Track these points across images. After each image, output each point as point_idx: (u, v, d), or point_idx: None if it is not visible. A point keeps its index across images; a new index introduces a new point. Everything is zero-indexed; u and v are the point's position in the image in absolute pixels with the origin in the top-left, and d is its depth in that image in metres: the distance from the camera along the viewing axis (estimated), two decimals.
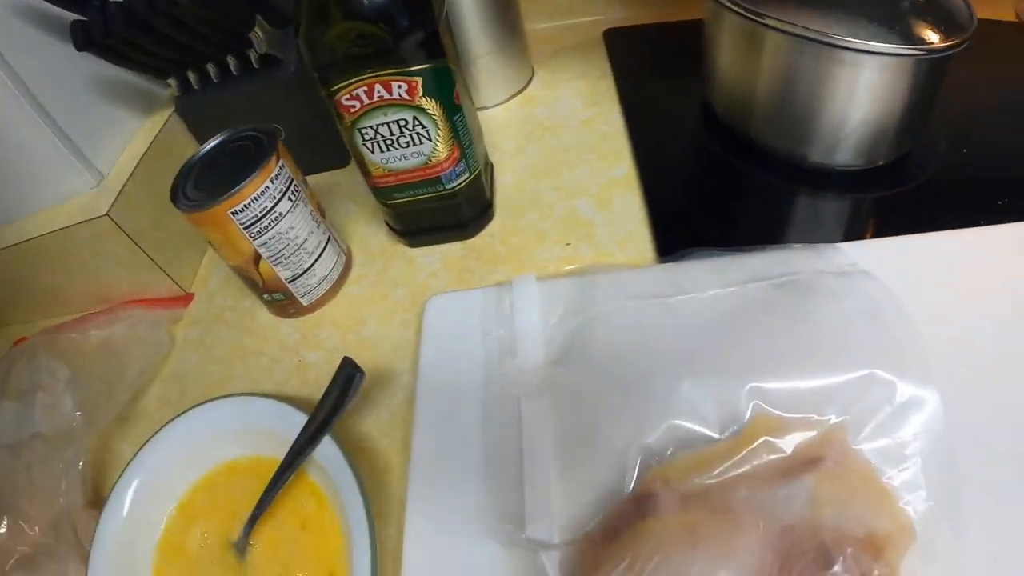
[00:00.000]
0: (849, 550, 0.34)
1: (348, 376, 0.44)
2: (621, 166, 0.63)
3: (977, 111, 0.71)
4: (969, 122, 0.69)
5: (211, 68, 0.59)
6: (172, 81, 0.59)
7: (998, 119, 0.71)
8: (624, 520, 0.36)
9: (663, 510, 0.36)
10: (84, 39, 0.50)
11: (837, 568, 0.33)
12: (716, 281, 0.46)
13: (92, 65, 0.55)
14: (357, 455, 0.44)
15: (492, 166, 0.63)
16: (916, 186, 0.60)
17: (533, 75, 0.77)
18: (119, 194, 0.55)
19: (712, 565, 0.34)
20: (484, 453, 0.42)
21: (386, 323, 0.54)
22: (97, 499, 0.49)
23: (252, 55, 0.58)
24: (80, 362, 0.55)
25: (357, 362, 0.45)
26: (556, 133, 0.68)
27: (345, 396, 0.43)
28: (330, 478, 0.42)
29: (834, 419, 0.38)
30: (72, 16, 0.51)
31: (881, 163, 0.59)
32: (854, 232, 0.56)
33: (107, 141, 0.58)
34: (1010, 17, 0.88)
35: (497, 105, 0.73)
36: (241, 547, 0.43)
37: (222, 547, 0.44)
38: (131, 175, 0.57)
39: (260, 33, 0.57)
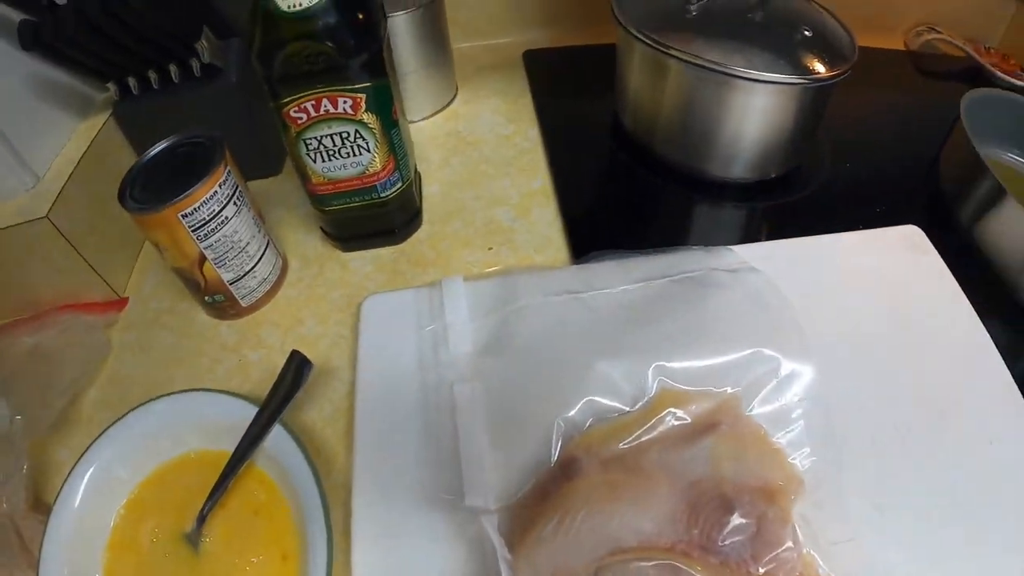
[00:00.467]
0: (746, 497, 0.42)
1: (298, 366, 0.50)
2: (538, 178, 0.72)
3: (862, 130, 0.83)
4: (854, 140, 0.80)
5: (152, 74, 0.62)
6: (111, 85, 0.63)
7: (879, 138, 0.82)
8: (552, 484, 0.44)
9: (586, 472, 0.43)
10: (32, 39, 0.54)
11: (737, 512, 0.41)
12: (623, 279, 0.55)
13: (27, 65, 0.58)
14: (307, 445, 0.48)
15: (420, 176, 0.70)
16: (804, 196, 0.70)
17: (457, 92, 0.84)
18: (58, 197, 0.58)
19: (632, 515, 0.41)
20: (422, 435, 0.49)
21: (323, 322, 0.59)
22: (39, 504, 0.50)
23: (195, 64, 0.63)
24: (10, 368, 0.57)
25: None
26: (478, 147, 0.76)
27: (295, 386, 0.49)
28: (280, 465, 0.47)
29: (728, 391, 0.47)
30: (17, 15, 0.54)
31: (773, 175, 0.69)
32: (749, 236, 0.66)
33: (43, 143, 0.61)
34: (899, 46, 1.02)
35: (423, 119, 0.81)
36: (194, 539, 0.47)
37: (175, 540, 0.48)
38: (69, 178, 0.59)
39: (205, 43, 0.62)
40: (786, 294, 0.54)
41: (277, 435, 0.48)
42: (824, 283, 0.59)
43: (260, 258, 0.58)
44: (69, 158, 0.62)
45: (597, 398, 0.46)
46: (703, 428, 0.45)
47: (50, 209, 0.57)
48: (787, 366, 0.48)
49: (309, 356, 0.52)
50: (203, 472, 0.49)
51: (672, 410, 0.45)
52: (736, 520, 0.41)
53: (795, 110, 0.64)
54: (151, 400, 0.50)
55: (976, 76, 0.98)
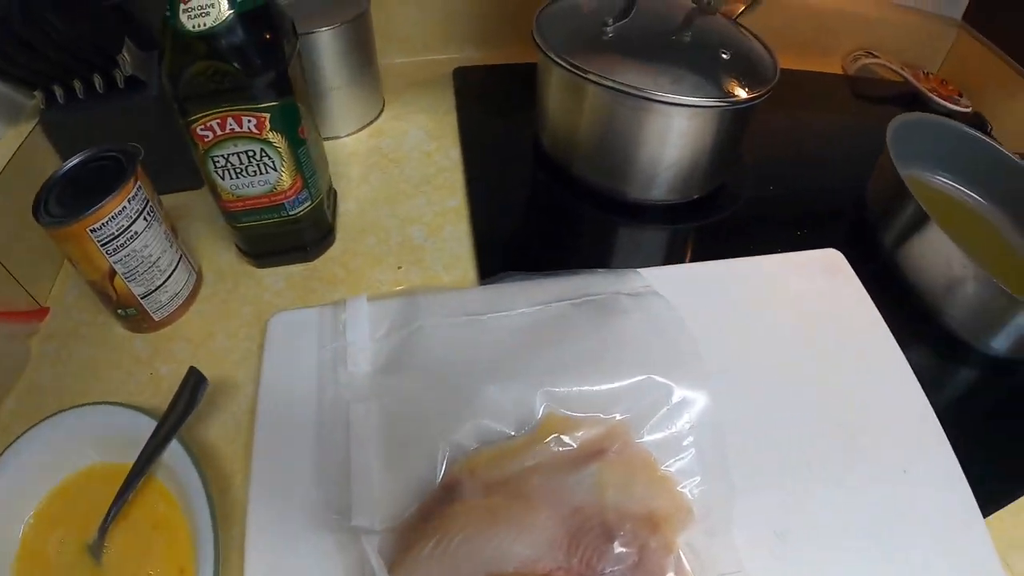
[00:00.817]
0: (628, 526, 0.44)
1: (194, 384, 0.51)
2: (455, 197, 0.74)
3: (792, 153, 0.85)
4: (783, 162, 0.83)
5: (77, 84, 0.64)
6: (38, 93, 0.64)
7: (809, 161, 0.85)
8: (435, 506, 0.45)
9: (467, 496, 0.45)
10: None
11: (618, 541, 0.43)
12: (524, 301, 0.58)
13: None
14: (204, 460, 0.51)
15: (336, 193, 0.72)
16: (725, 218, 0.73)
17: (384, 107, 0.87)
18: None
19: (509, 540, 0.43)
20: (317, 453, 0.51)
21: (233, 338, 0.61)
22: None
23: (118, 75, 0.64)
24: None
25: (203, 373, 0.52)
26: (399, 164, 0.79)
27: (191, 403, 0.51)
28: (178, 481, 0.49)
29: (617, 417, 0.48)
30: None
31: (696, 196, 0.71)
32: (668, 258, 0.69)
33: None
34: (837, 70, 1.06)
35: (348, 135, 0.83)
36: (96, 550, 0.48)
37: (79, 551, 0.49)
38: None
39: (127, 56, 0.63)
40: (692, 318, 0.56)
41: (174, 451, 0.49)
42: (738, 306, 0.61)
43: (171, 273, 0.59)
44: None
45: (484, 422, 0.48)
46: (589, 454, 0.46)
47: None
48: (679, 393, 0.50)
49: (217, 371, 0.54)
50: (108, 484, 0.50)
51: (558, 435, 0.47)
52: (617, 549, 0.43)
53: (714, 133, 0.66)
54: (60, 412, 0.52)
55: (913, 101, 1.02)
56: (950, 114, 0.97)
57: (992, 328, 0.65)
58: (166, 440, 0.50)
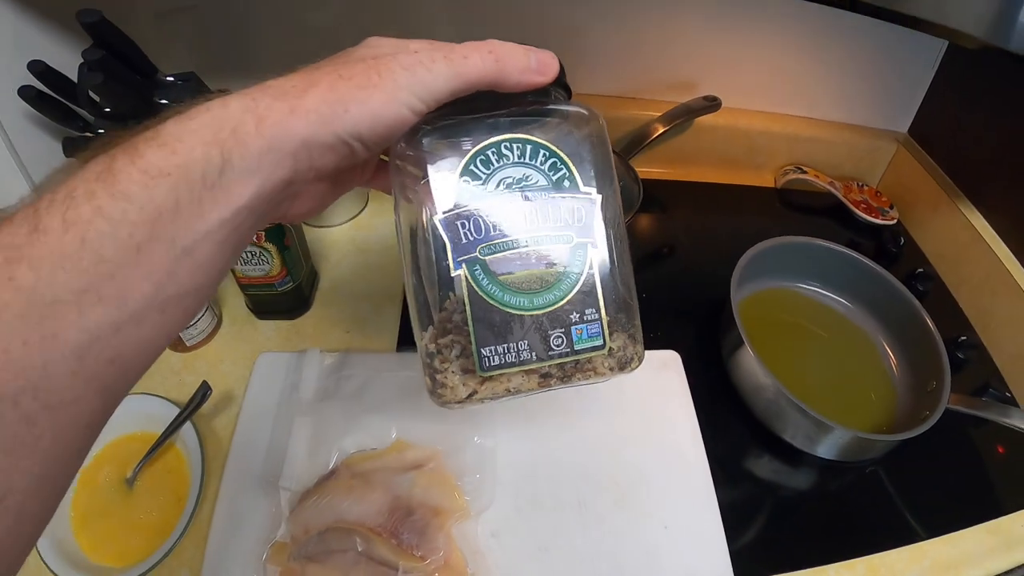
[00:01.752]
0: (421, 511, 0.84)
1: (203, 391, 0.93)
2: (396, 285, 1.11)
3: (680, 263, 1.18)
4: (662, 271, 1.16)
5: None
6: None
7: (690, 271, 1.17)
8: (323, 481, 0.88)
9: (340, 478, 0.87)
10: (71, 150, 0.96)
11: (414, 517, 0.83)
12: (416, 366, 0.96)
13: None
14: (204, 437, 0.87)
15: (317, 274, 1.12)
16: None
17: (368, 203, 1.23)
18: None
19: (352, 505, 0.84)
20: (269, 444, 0.92)
21: (235, 365, 1.00)
22: None
23: None
24: None
25: (210, 384, 0.94)
26: (366, 255, 1.16)
27: (200, 402, 0.93)
28: (187, 448, 0.90)
29: (436, 448, 0.90)
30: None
31: None
32: None
33: None
34: (770, 183, 1.37)
35: (336, 226, 1.20)
36: (130, 482, 0.88)
37: (119, 481, 0.87)
38: None
39: None
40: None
41: (187, 429, 0.91)
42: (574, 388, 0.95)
43: (201, 317, 1.02)
44: None
45: (361, 437, 0.90)
46: (413, 465, 0.88)
47: None
48: (478, 440, 0.91)
49: (222, 384, 0.96)
50: (143, 443, 0.87)
51: (399, 452, 0.89)
52: (412, 521, 0.83)
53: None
54: None
55: (838, 211, 1.28)
56: (869, 225, 1.26)
57: (813, 440, 0.88)
58: (183, 422, 0.90)
